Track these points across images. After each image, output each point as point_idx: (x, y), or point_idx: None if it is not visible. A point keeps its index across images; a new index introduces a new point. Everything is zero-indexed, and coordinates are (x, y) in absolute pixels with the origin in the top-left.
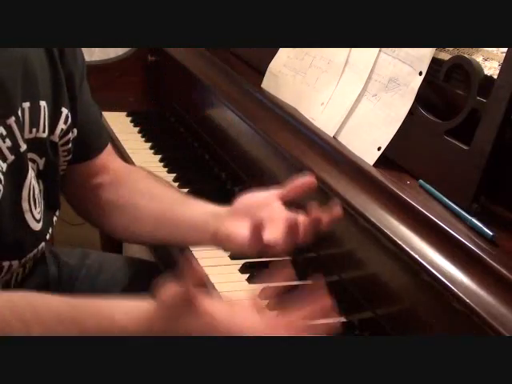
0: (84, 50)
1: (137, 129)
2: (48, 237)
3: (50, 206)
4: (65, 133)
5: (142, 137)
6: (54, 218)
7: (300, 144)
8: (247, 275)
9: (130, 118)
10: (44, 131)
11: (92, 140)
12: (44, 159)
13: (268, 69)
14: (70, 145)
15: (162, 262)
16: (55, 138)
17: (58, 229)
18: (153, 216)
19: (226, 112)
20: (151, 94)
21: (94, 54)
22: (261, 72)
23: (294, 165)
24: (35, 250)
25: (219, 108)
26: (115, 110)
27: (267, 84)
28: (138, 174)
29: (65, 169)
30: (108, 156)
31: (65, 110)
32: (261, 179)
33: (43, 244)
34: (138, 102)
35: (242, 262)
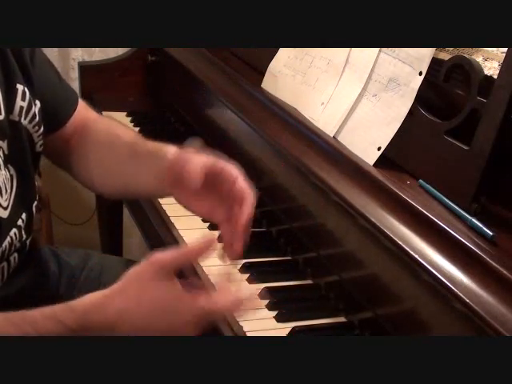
0: (84, 50)
1: (137, 129)
2: (22, 225)
3: (24, 193)
4: (27, 109)
5: (142, 137)
6: (34, 204)
7: (300, 144)
8: (247, 275)
9: (130, 118)
10: (0, 113)
11: (59, 106)
12: (7, 142)
13: (268, 69)
14: (38, 117)
15: None
16: (15, 116)
17: (58, 229)
18: (118, 156)
19: (226, 112)
20: (151, 94)
21: (94, 54)
22: (261, 72)
23: (294, 165)
24: (9, 240)
25: (219, 108)
26: (115, 110)
27: (267, 84)
28: (102, 125)
29: (42, 144)
30: (80, 114)
31: (20, 87)
32: (261, 179)
33: (15, 232)
34: (138, 101)
35: (242, 261)
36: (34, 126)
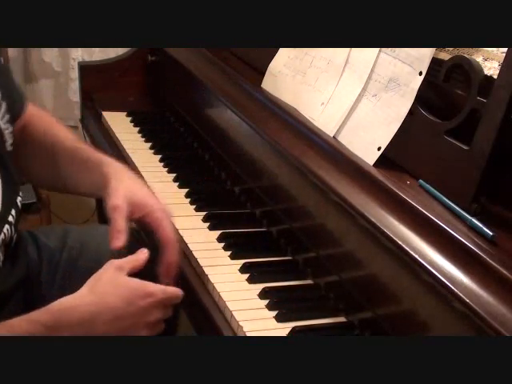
0: (84, 49)
1: (137, 129)
2: (13, 221)
3: (9, 189)
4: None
5: (142, 137)
6: (18, 200)
7: (300, 144)
8: (247, 275)
9: (130, 118)
10: None
11: (16, 98)
12: None
13: (268, 69)
14: (7, 116)
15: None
16: None
17: None
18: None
19: (226, 112)
20: (151, 94)
21: (94, 54)
22: (261, 72)
23: (294, 165)
24: (2, 237)
25: (219, 108)
26: (115, 110)
27: (267, 84)
28: (43, 123)
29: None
30: (29, 108)
31: None
32: (261, 179)
33: (7, 228)
34: (138, 101)
35: (242, 261)
36: (5, 123)
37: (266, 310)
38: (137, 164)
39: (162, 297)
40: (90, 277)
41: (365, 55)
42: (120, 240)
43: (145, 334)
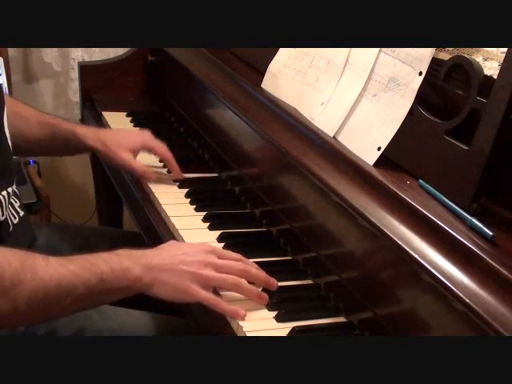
0: (84, 49)
1: (137, 129)
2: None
3: None
4: None
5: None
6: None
7: (300, 144)
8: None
9: (129, 118)
10: None
11: None
12: None
13: (268, 69)
14: None
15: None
16: None
17: None
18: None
19: (226, 112)
20: (151, 94)
21: (94, 54)
22: (261, 72)
23: (294, 165)
24: None
25: (219, 108)
26: (115, 110)
27: (267, 84)
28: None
29: None
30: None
31: None
32: (261, 179)
33: None
34: (138, 101)
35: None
36: None
37: (266, 310)
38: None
39: (223, 264)
40: None
41: (365, 55)
42: (151, 173)
43: (189, 280)
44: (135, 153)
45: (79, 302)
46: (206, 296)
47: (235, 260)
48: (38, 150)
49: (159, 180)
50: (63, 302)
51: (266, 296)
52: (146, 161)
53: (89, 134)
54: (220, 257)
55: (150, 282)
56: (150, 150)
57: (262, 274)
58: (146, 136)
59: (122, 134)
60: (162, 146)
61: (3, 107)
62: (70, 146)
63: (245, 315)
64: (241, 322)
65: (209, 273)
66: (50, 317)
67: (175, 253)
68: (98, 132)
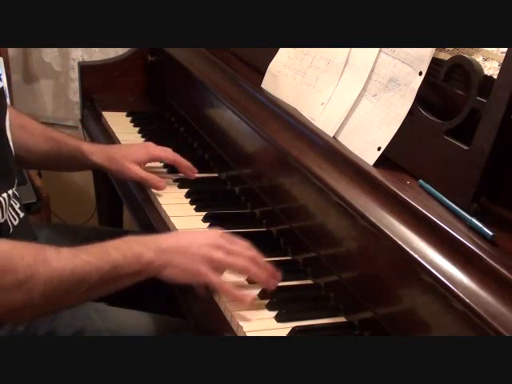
0: (84, 49)
1: (137, 129)
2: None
3: None
4: None
5: (142, 137)
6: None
7: (300, 144)
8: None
9: (129, 118)
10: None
11: None
12: None
13: (268, 69)
14: None
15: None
16: None
17: None
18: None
19: (226, 112)
20: (151, 94)
21: (94, 54)
22: (261, 72)
23: (294, 165)
24: None
25: (219, 108)
26: (115, 110)
27: (267, 84)
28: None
29: None
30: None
31: None
32: (261, 179)
33: None
34: (138, 101)
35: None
36: None
37: (266, 310)
38: None
39: (233, 248)
40: None
41: (365, 55)
42: (161, 181)
43: (200, 262)
44: (142, 165)
45: (93, 290)
46: (215, 279)
47: (244, 247)
48: (42, 163)
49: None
50: (78, 291)
51: (274, 281)
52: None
53: (95, 150)
54: (230, 242)
55: (162, 264)
56: (158, 160)
57: (268, 265)
58: (150, 147)
59: (128, 148)
60: (168, 152)
61: (5, 110)
62: (75, 162)
63: (251, 301)
64: (241, 322)
65: (219, 255)
66: (65, 306)
67: (186, 236)
68: (104, 149)
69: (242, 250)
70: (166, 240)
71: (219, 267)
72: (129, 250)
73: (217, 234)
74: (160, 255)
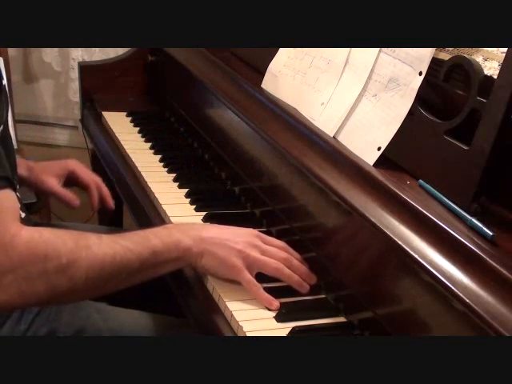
0: (84, 49)
1: (137, 129)
2: None
3: None
4: None
5: (142, 137)
6: None
7: (300, 144)
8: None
9: (130, 118)
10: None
11: None
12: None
13: (268, 69)
14: None
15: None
16: None
17: None
18: None
19: (226, 112)
20: (151, 94)
21: (94, 54)
22: (261, 72)
23: (294, 165)
24: None
25: (219, 108)
26: (115, 110)
27: (267, 84)
28: None
29: None
30: None
31: None
32: (260, 179)
33: None
34: (138, 101)
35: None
36: None
37: (266, 310)
38: (137, 164)
39: (268, 249)
40: None
41: (365, 55)
42: (75, 199)
43: (236, 257)
44: (60, 179)
45: (134, 276)
46: (248, 277)
47: (279, 247)
48: None
49: (159, 179)
50: (119, 277)
51: (307, 285)
52: (146, 160)
53: (21, 164)
54: (265, 242)
55: (200, 252)
56: (76, 176)
57: (303, 267)
58: (71, 162)
59: (49, 163)
60: (87, 173)
61: (8, 109)
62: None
63: (278, 307)
64: (241, 322)
65: (255, 254)
66: (106, 291)
67: (224, 230)
68: (29, 163)
69: (277, 251)
70: (206, 230)
71: (253, 265)
72: (168, 236)
73: (253, 234)
74: (199, 243)
